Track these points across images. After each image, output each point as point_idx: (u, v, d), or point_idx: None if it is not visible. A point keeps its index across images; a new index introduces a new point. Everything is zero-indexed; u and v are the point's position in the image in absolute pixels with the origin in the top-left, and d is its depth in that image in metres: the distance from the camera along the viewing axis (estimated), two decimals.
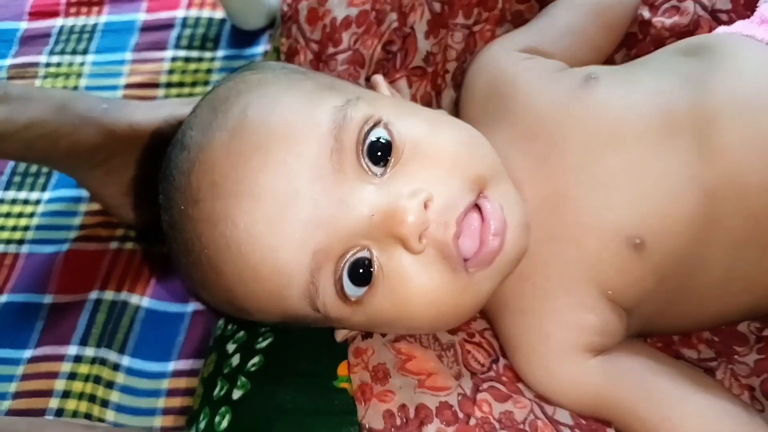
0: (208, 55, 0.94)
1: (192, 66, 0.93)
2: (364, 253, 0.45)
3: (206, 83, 0.91)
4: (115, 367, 0.74)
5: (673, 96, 0.50)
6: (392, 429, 0.48)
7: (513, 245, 0.47)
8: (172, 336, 0.75)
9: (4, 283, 0.82)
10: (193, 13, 0.97)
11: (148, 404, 0.72)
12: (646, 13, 0.62)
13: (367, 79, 0.64)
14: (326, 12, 0.64)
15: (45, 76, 0.96)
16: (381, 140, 0.45)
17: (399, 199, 0.44)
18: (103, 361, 0.74)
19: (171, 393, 0.73)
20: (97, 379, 0.74)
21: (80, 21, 1.01)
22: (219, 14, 0.96)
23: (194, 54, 0.94)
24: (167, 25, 0.97)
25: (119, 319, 0.77)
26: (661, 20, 0.61)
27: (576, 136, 0.51)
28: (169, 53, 0.95)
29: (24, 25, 1.02)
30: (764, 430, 0.48)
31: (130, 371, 0.74)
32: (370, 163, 0.45)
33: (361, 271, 0.45)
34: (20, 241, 0.85)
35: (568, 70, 0.56)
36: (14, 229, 0.86)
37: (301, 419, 0.49)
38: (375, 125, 0.46)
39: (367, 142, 0.45)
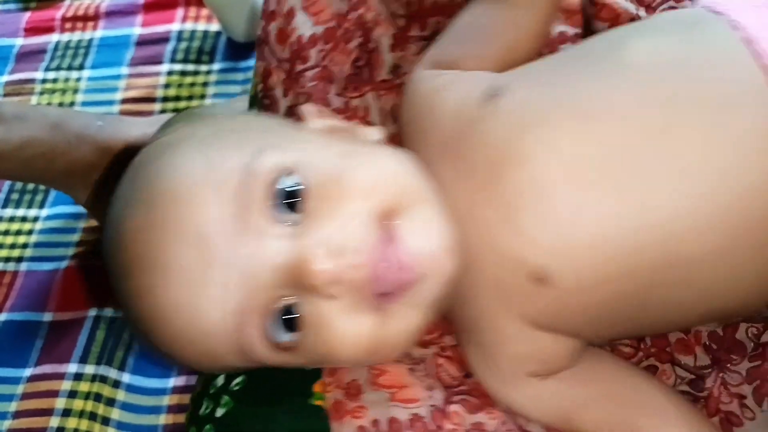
0: (204, 68, 0.94)
1: (188, 79, 0.93)
2: (288, 301, 0.45)
3: (203, 96, 0.92)
4: (116, 384, 0.74)
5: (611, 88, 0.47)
6: None
7: (433, 272, 0.46)
8: None
9: (3, 302, 0.82)
10: (189, 26, 0.97)
11: (149, 421, 0.72)
12: (642, 14, 0.62)
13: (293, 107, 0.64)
14: (293, 30, 0.64)
15: (41, 92, 0.96)
16: (292, 188, 0.45)
17: (306, 249, 0.44)
18: (103, 379, 0.74)
19: (171, 409, 0.72)
20: (98, 397, 0.73)
21: (76, 36, 1.01)
22: (214, 27, 0.96)
23: (190, 67, 0.94)
24: (163, 39, 0.97)
25: (119, 336, 0.77)
26: None
27: (477, 156, 0.48)
28: (165, 67, 0.95)
29: (20, 42, 1.02)
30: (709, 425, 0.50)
31: (131, 388, 0.74)
32: (284, 213, 0.45)
33: (288, 318, 0.46)
34: (19, 259, 0.85)
35: (474, 86, 0.52)
36: (12, 246, 0.86)
37: None
38: (285, 174, 0.45)
39: (279, 192, 0.45)
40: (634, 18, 0.62)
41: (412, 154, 0.51)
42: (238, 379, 0.54)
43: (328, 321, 0.45)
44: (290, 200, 0.45)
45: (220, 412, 0.53)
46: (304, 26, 0.64)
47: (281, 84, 0.65)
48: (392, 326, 0.46)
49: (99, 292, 0.80)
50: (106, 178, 0.74)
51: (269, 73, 0.66)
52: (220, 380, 0.55)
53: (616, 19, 0.62)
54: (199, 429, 0.53)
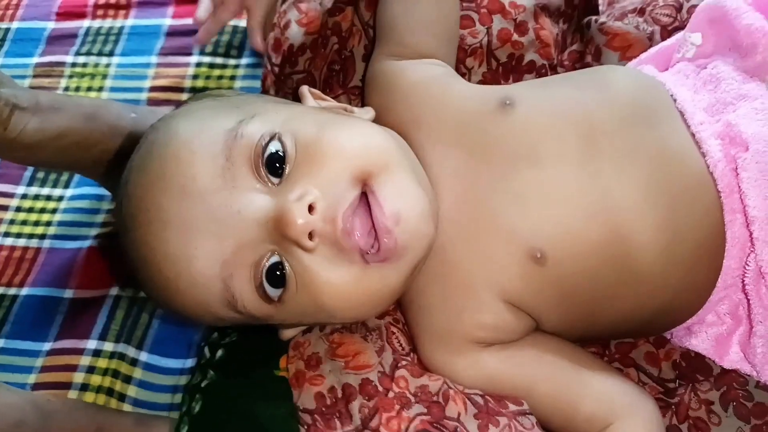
0: (232, 62, 0.96)
1: (216, 72, 0.95)
2: (276, 258, 0.50)
3: (230, 89, 0.93)
4: (133, 362, 0.76)
5: (592, 115, 0.55)
6: (323, 408, 0.54)
7: (410, 237, 0.50)
8: (191, 333, 0.77)
9: (25, 276, 0.83)
10: None
11: (165, 399, 0.74)
12: (657, 37, 0.66)
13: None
14: (286, 39, 0.72)
15: (71, 76, 0.98)
16: (278, 152, 0.50)
17: (285, 203, 0.48)
18: (121, 356, 0.76)
19: None
20: (116, 374, 0.75)
21: (107, 23, 1.02)
22: (243, 23, 0.97)
23: (219, 60, 0.96)
24: (193, 31, 0.97)
25: (138, 315, 0.78)
26: None
27: (495, 150, 0.55)
28: (194, 59, 0.97)
29: (51, 25, 1.04)
30: (651, 401, 0.55)
31: (148, 367, 0.76)
32: (269, 175, 0.50)
33: (277, 273, 0.51)
34: (42, 236, 0.86)
35: (479, 91, 0.60)
36: (36, 224, 0.87)
37: (246, 402, 0.57)
38: (271, 139, 0.50)
39: (266, 155, 0.50)
40: (647, 47, 0.65)
41: (405, 132, 0.58)
42: (220, 353, 0.61)
43: (312, 269, 0.50)
44: (275, 162, 0.50)
45: (205, 383, 0.59)
46: (295, 37, 0.71)
47: (273, 85, 0.73)
48: (372, 279, 0.51)
49: (121, 272, 0.82)
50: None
51: (265, 77, 0.74)
52: (207, 353, 0.62)
53: (628, 48, 0.66)
54: (191, 398, 0.59)
